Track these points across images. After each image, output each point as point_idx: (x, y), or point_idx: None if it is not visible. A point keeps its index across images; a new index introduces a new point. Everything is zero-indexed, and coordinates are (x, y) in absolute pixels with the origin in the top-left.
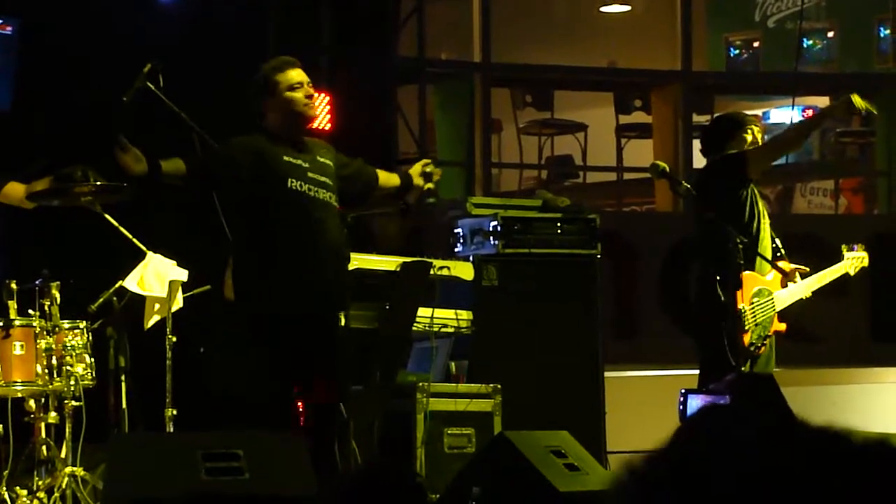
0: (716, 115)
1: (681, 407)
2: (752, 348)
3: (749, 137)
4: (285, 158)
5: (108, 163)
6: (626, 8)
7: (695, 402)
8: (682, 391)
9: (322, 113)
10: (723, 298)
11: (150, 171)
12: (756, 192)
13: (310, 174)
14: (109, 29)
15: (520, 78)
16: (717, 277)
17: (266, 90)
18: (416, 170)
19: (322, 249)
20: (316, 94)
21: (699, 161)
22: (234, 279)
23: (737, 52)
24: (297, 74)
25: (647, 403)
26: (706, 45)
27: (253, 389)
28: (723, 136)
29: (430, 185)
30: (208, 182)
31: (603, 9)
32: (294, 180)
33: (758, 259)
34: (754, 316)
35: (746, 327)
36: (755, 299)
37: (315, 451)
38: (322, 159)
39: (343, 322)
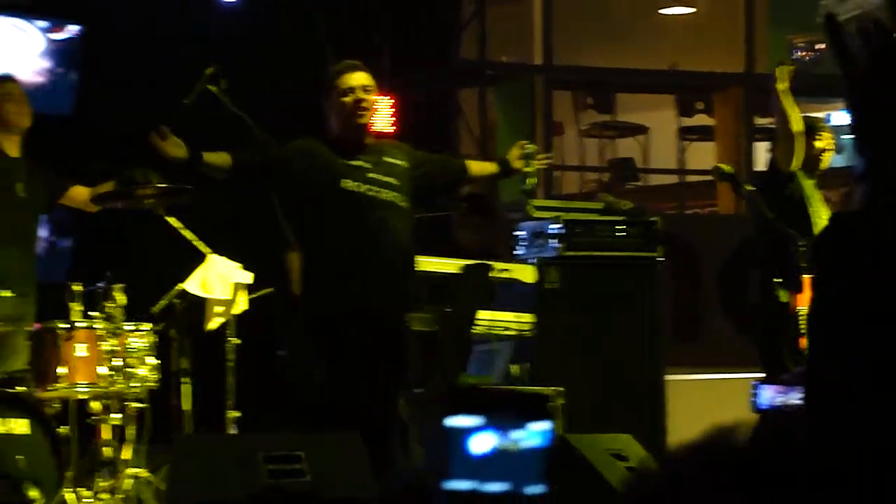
0: None
1: (753, 399)
2: None
3: (819, 144)
4: (342, 160)
5: (164, 162)
6: (689, 10)
7: (767, 394)
8: (754, 383)
9: (381, 117)
10: (781, 300)
11: (190, 159)
12: (816, 194)
13: (370, 175)
14: (171, 32)
15: (581, 80)
16: (777, 280)
17: (326, 90)
18: (513, 153)
19: (384, 249)
20: (369, 100)
21: (761, 163)
22: (301, 279)
23: (800, 53)
24: (353, 79)
25: (709, 406)
26: (769, 46)
27: (316, 391)
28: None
29: (529, 169)
30: (253, 178)
31: (664, 11)
32: (350, 181)
33: None
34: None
35: (804, 330)
36: None
37: (376, 454)
38: (390, 159)
39: (406, 323)
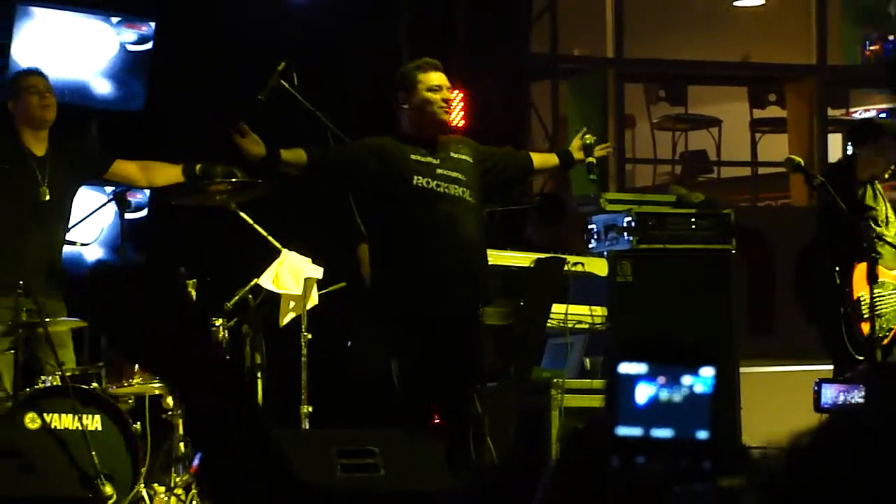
0: (860, 112)
1: (815, 397)
2: (874, 338)
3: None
4: (413, 157)
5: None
6: (760, 1)
7: (829, 392)
8: (817, 381)
9: (456, 112)
10: (838, 282)
11: (269, 157)
12: (880, 189)
13: (439, 171)
14: (243, 28)
15: (653, 73)
16: (836, 267)
17: (405, 87)
18: (575, 144)
19: (454, 244)
20: (450, 98)
21: (835, 155)
22: (371, 274)
23: (872, 45)
24: (438, 77)
25: (784, 399)
26: (841, 37)
27: (389, 386)
28: (856, 140)
29: (591, 159)
30: (327, 176)
31: (737, 3)
32: (421, 178)
33: (886, 252)
34: (876, 306)
35: (865, 315)
36: (878, 290)
37: (450, 448)
38: (457, 155)
39: (481, 317)
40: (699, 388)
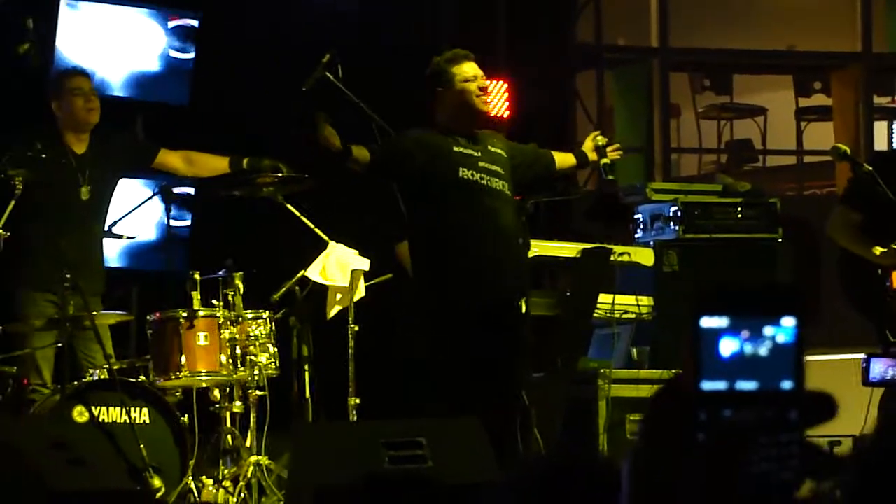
0: None
1: (864, 372)
2: None
3: None
4: (456, 149)
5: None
6: None
7: (877, 367)
8: (865, 356)
9: (499, 103)
10: (879, 272)
11: (343, 151)
12: None
13: (481, 164)
14: (288, 20)
15: (698, 62)
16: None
17: (440, 81)
18: (588, 145)
19: (497, 237)
20: (490, 87)
21: (881, 143)
22: (414, 268)
23: None
24: (471, 68)
25: (831, 387)
26: (886, 25)
27: (436, 376)
28: None
29: (605, 161)
30: (386, 174)
31: None
32: (465, 170)
33: None
34: None
35: None
36: None
37: (497, 439)
38: (494, 149)
39: (524, 308)
40: (781, 339)
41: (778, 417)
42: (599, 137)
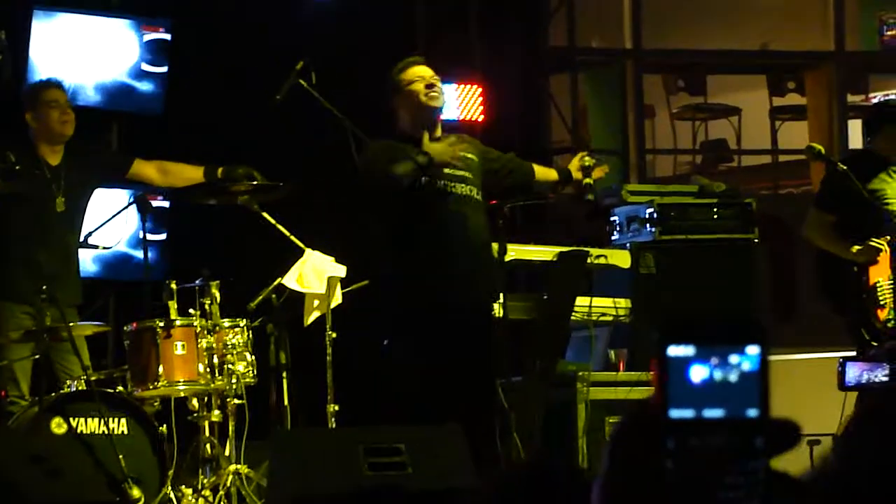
0: (878, 97)
1: (839, 376)
2: (890, 325)
3: None
4: (413, 149)
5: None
6: None
7: (853, 371)
8: (841, 360)
9: (470, 106)
10: (855, 270)
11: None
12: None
13: (446, 170)
14: (260, 27)
15: (672, 63)
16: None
17: (393, 90)
18: (574, 164)
19: (462, 243)
20: (438, 86)
21: (855, 142)
22: (383, 273)
23: (890, 30)
24: (417, 70)
25: (809, 386)
26: (859, 24)
27: (410, 382)
28: (871, 127)
29: (588, 180)
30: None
31: None
32: (426, 177)
33: None
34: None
35: (882, 302)
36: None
37: (476, 444)
38: (463, 153)
39: (495, 313)
40: (747, 367)
41: (744, 445)
42: (587, 158)
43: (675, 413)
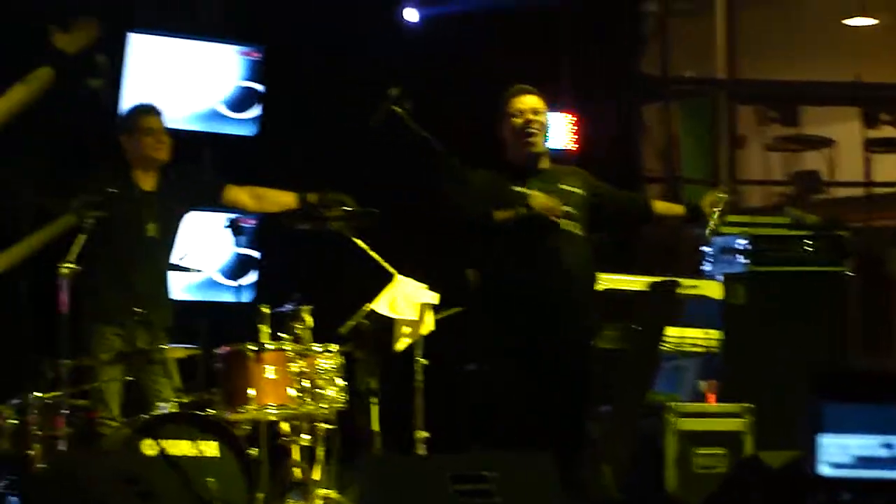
0: None
1: None
2: None
3: None
4: (514, 189)
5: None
6: (872, 21)
7: None
8: None
9: (563, 135)
10: None
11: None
12: None
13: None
14: (355, 53)
15: (765, 94)
16: None
17: (499, 116)
18: (706, 201)
19: (558, 277)
20: (538, 122)
21: None
22: (482, 302)
23: None
24: (522, 101)
25: None
26: None
27: (500, 410)
28: None
29: (715, 220)
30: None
31: (847, 22)
32: (522, 210)
33: None
34: None
35: None
36: None
37: (565, 473)
38: (566, 187)
39: (592, 344)
40: None
41: None
42: (721, 195)
43: (828, 470)
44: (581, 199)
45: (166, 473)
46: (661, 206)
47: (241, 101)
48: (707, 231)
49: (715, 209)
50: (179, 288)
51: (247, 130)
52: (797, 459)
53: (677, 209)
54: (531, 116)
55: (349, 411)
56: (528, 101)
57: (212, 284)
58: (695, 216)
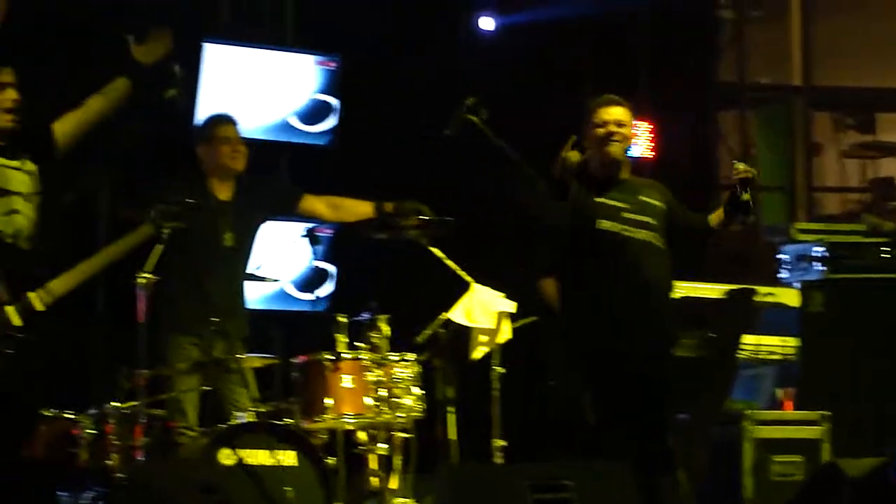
0: None
1: None
2: None
3: None
4: (596, 200)
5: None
6: None
7: None
8: None
9: (640, 142)
10: None
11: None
12: None
13: (626, 214)
14: (431, 62)
15: (841, 100)
16: None
17: (584, 124)
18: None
19: (637, 290)
20: (622, 134)
21: None
22: (561, 312)
23: None
24: (607, 112)
25: None
26: None
27: (582, 419)
28: None
29: (746, 196)
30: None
31: None
32: (605, 221)
33: None
34: None
35: None
36: None
37: (643, 482)
38: (646, 198)
39: (670, 354)
40: None
41: None
42: (741, 166)
43: None
44: (660, 211)
45: (244, 483)
46: (714, 218)
47: (313, 113)
48: (740, 203)
49: (742, 185)
50: (256, 298)
51: (324, 140)
52: (882, 466)
53: (720, 212)
54: (614, 128)
55: (426, 420)
56: (614, 112)
57: (285, 297)
58: (732, 204)
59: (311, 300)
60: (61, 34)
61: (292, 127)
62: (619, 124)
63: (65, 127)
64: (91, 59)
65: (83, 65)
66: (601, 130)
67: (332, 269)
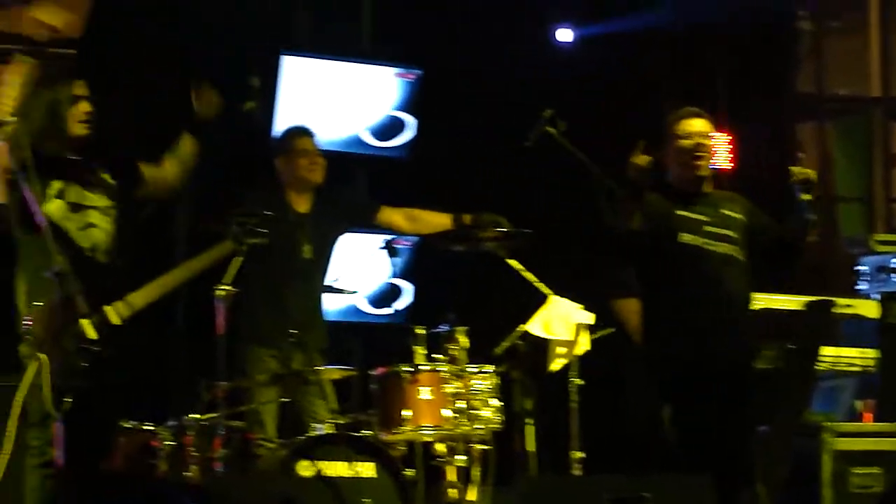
0: None
1: None
2: None
3: None
4: (678, 213)
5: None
6: None
7: None
8: None
9: (719, 154)
10: None
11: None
12: None
13: (707, 228)
14: (508, 74)
15: None
16: None
17: (665, 137)
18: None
19: (717, 304)
20: (707, 146)
21: None
22: (643, 325)
23: None
24: (692, 124)
25: None
26: None
27: (661, 432)
28: None
29: (806, 196)
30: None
31: None
32: (687, 234)
33: None
34: None
35: None
36: None
37: (722, 494)
38: (727, 212)
39: (751, 367)
40: None
41: None
42: (799, 171)
43: None
44: (741, 225)
45: (322, 494)
46: (788, 231)
47: (387, 129)
48: (799, 203)
49: (803, 187)
50: (335, 309)
51: (402, 152)
52: None
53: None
54: (700, 140)
55: (504, 432)
56: (698, 125)
57: (357, 313)
58: (798, 212)
59: (390, 313)
60: (131, 54)
61: (370, 139)
62: (704, 136)
63: (151, 172)
64: (157, 87)
65: (149, 90)
66: (687, 143)
67: (406, 285)
